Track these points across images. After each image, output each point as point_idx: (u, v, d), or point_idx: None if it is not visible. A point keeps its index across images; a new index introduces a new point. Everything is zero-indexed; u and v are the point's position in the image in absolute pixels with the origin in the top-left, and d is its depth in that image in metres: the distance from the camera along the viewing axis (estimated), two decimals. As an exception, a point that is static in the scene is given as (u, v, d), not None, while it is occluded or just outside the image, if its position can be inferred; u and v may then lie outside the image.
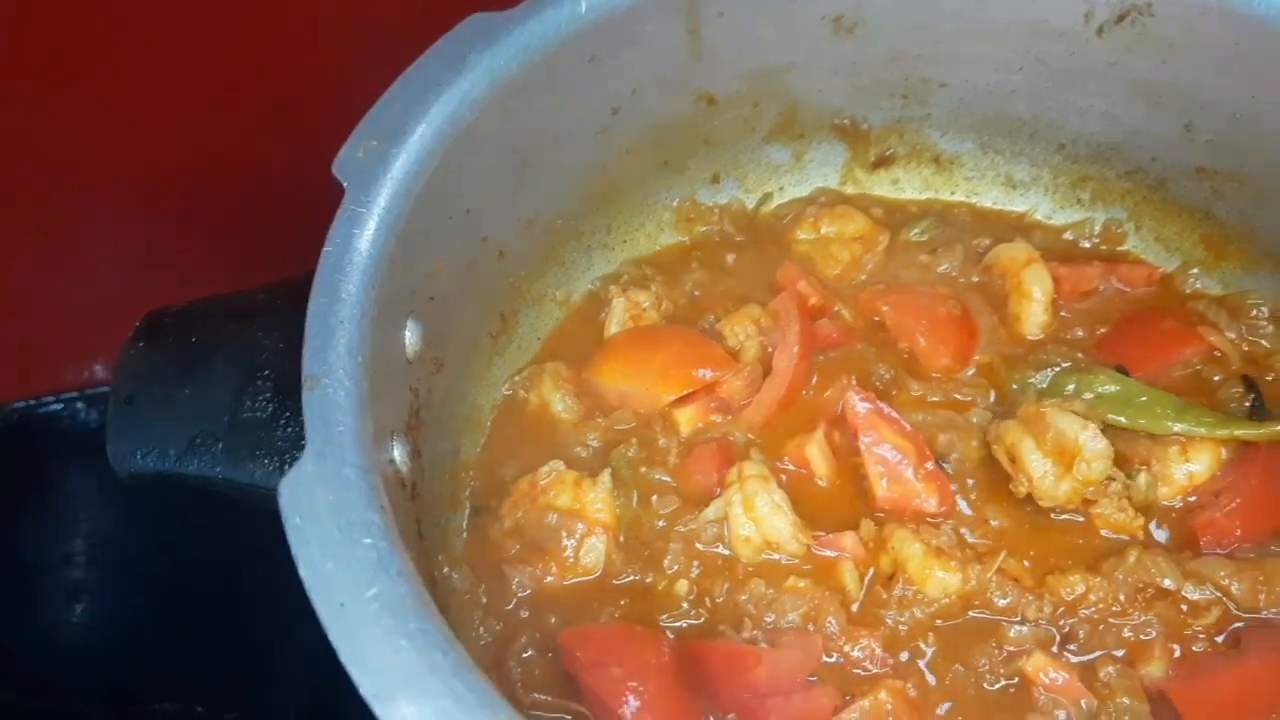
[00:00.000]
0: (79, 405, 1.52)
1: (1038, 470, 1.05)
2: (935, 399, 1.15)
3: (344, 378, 0.83)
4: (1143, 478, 1.08)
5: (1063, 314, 1.22)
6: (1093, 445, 1.04)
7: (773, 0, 1.14)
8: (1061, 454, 1.04)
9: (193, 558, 1.40)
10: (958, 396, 1.16)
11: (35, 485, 1.48)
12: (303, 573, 0.73)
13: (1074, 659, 0.99)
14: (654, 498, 1.09)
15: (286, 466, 0.86)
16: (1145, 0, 1.11)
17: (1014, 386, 1.16)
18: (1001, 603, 1.01)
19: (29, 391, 1.51)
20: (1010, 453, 1.07)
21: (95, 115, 1.28)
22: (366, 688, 0.68)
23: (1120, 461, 1.09)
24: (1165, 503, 1.08)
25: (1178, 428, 1.09)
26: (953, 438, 1.11)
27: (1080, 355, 1.18)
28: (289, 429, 0.91)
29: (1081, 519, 1.07)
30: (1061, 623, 1.01)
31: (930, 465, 1.09)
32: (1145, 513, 1.07)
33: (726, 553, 1.05)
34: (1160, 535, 1.07)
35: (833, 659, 0.98)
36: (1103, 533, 1.06)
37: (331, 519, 0.75)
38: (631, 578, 1.05)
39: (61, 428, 1.52)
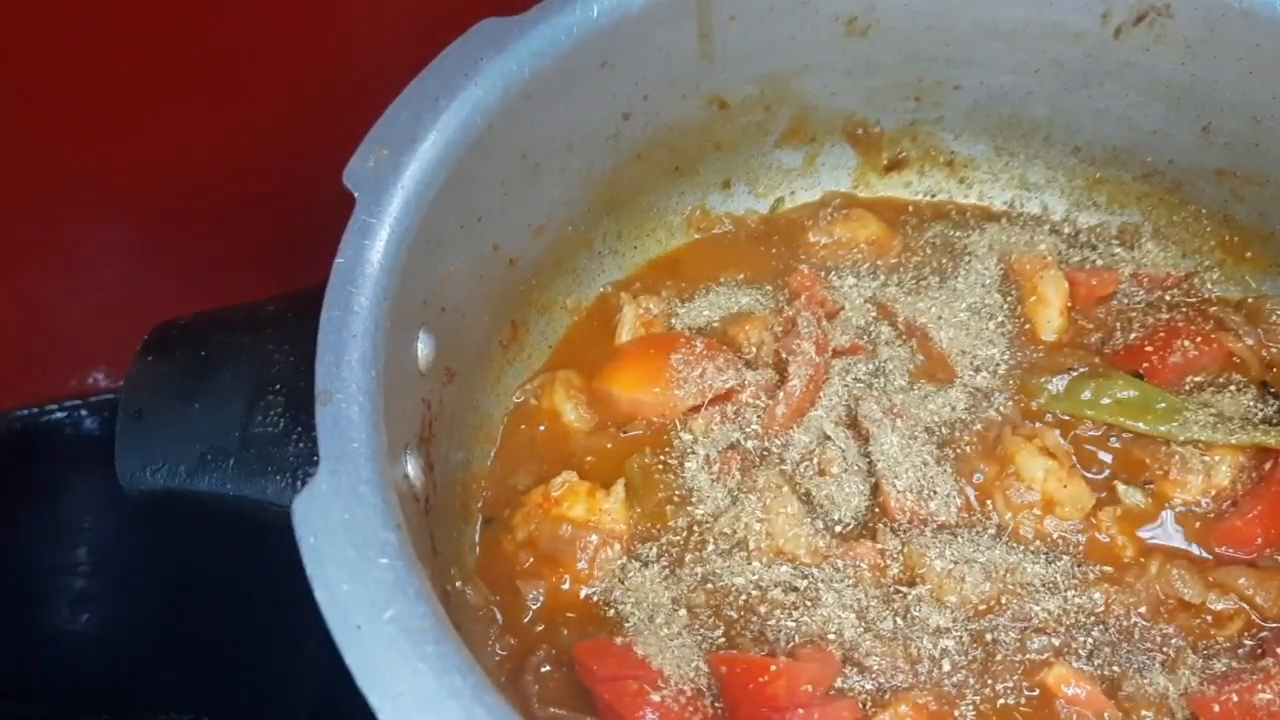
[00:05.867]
0: (82, 413, 1.52)
1: (1011, 522, 1.06)
2: (951, 405, 1.14)
3: (357, 393, 0.82)
4: (1137, 494, 1.07)
5: (1078, 319, 1.21)
6: (1061, 492, 1.05)
7: (785, 2, 1.13)
8: (1036, 498, 1.06)
9: (198, 566, 1.39)
10: (973, 402, 1.14)
11: (38, 493, 1.47)
12: (318, 594, 0.72)
13: (1096, 671, 0.98)
14: (668, 508, 1.08)
15: (299, 483, 0.85)
16: (1164, 1, 1.10)
17: (1031, 389, 1.15)
18: (1022, 613, 1.00)
19: (32, 399, 1.50)
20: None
21: (100, 120, 1.27)
22: (385, 713, 0.67)
23: (1137, 468, 1.09)
24: (1185, 510, 1.07)
25: (1196, 434, 1.08)
26: (969, 444, 1.10)
27: (1096, 360, 1.16)
28: (301, 444, 0.90)
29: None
30: (1083, 634, 1.00)
31: (947, 472, 1.08)
32: (1147, 520, 1.06)
33: (742, 563, 1.04)
34: (1177, 544, 1.06)
35: (851, 671, 0.97)
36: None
37: (347, 538, 0.74)
38: (647, 589, 1.04)
39: (64, 435, 1.52)
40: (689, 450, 1.11)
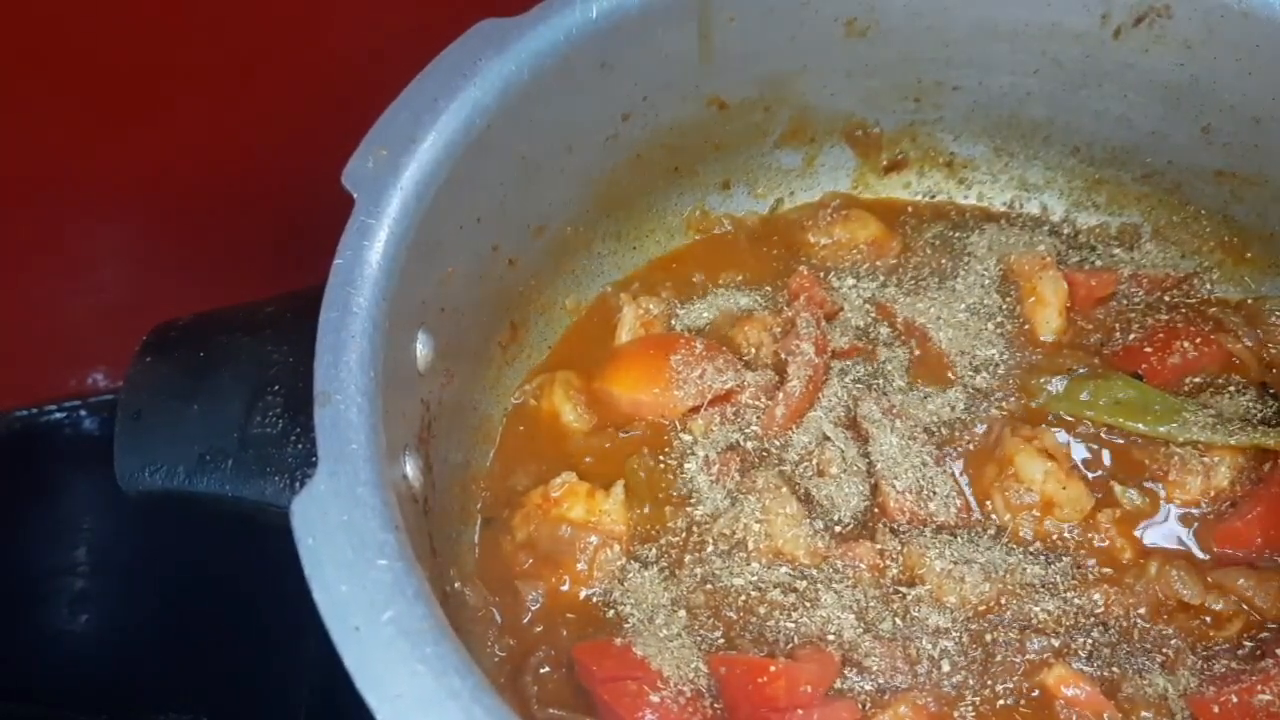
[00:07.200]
0: (81, 413, 1.52)
1: (1010, 523, 1.06)
2: (950, 406, 1.14)
3: (356, 394, 0.82)
4: (1135, 495, 1.07)
5: (1077, 320, 1.20)
6: (1060, 493, 1.05)
7: (784, 3, 1.13)
8: (1034, 499, 1.06)
9: (197, 566, 1.39)
10: (972, 403, 1.14)
11: (38, 494, 1.47)
12: (316, 595, 0.72)
13: (1095, 672, 0.98)
14: (667, 508, 1.08)
15: (298, 484, 0.85)
16: (1163, 2, 1.10)
17: (1030, 390, 1.14)
18: (1021, 614, 1.00)
19: (31, 400, 1.50)
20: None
21: (100, 121, 1.27)
22: (383, 715, 0.67)
23: (1136, 469, 1.09)
24: (1184, 511, 1.07)
25: (1196, 435, 1.08)
26: (969, 445, 1.10)
27: (1096, 361, 1.16)
28: (300, 445, 0.90)
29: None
30: (1082, 635, 1.00)
31: (946, 473, 1.08)
32: (1141, 520, 1.06)
33: (742, 564, 1.04)
34: (1177, 545, 1.06)
35: (851, 671, 0.97)
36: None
37: (345, 540, 0.74)
38: (646, 590, 1.04)
39: (64, 436, 1.52)
40: (688, 451, 1.11)
